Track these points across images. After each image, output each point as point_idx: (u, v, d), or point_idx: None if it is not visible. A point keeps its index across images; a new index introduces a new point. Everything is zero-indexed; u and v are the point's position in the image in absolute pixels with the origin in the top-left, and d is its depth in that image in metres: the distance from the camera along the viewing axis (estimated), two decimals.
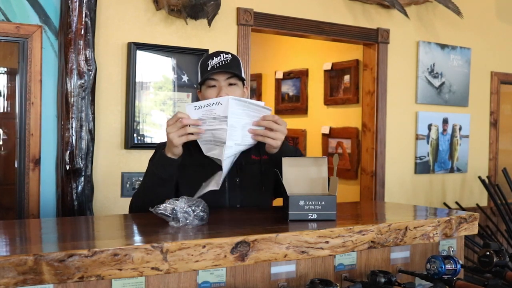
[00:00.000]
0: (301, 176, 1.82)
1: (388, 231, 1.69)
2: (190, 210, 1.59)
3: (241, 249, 1.44)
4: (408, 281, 1.81)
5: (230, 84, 2.00)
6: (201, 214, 1.61)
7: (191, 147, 2.02)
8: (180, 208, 1.59)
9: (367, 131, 4.15)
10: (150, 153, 2.14)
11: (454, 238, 1.97)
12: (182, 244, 1.37)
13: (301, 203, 1.69)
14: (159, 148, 2.00)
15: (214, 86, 2.00)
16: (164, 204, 1.62)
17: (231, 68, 1.99)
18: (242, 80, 2.04)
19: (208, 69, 2.00)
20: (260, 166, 2.06)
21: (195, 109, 1.76)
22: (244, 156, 2.03)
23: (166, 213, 1.60)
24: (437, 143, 4.37)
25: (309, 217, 1.70)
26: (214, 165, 1.94)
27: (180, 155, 1.87)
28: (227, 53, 2.04)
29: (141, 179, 2.09)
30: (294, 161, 1.84)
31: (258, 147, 2.07)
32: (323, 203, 1.70)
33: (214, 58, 2.02)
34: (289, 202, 1.69)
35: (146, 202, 1.74)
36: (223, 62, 2.00)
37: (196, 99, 3.27)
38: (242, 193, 2.03)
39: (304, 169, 1.83)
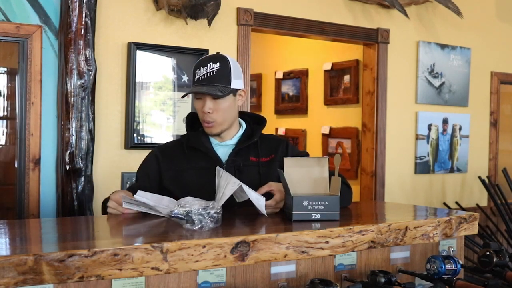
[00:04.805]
0: (303, 177, 1.82)
1: (388, 231, 1.69)
2: (204, 212, 1.58)
3: (241, 249, 1.44)
4: (408, 281, 1.81)
5: (215, 98, 1.96)
6: (215, 216, 1.59)
7: (186, 151, 2.03)
8: (195, 211, 1.58)
9: (367, 131, 4.15)
10: None
11: (454, 238, 1.97)
12: (182, 244, 1.37)
13: (305, 203, 1.70)
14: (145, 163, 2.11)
15: (200, 98, 1.99)
16: (177, 208, 1.61)
17: (215, 81, 1.95)
18: (233, 90, 1.99)
19: (195, 80, 1.99)
20: (258, 168, 2.06)
21: (130, 201, 1.80)
22: (243, 158, 2.04)
23: (180, 216, 1.59)
24: (437, 143, 4.37)
25: (312, 217, 1.70)
26: (212, 168, 1.94)
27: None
28: (215, 61, 1.98)
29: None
30: (296, 161, 1.84)
31: (257, 149, 2.07)
32: (326, 203, 1.71)
33: (201, 68, 1.98)
34: (293, 203, 1.69)
35: None
36: (209, 74, 1.96)
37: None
38: None
39: (306, 169, 1.83)
